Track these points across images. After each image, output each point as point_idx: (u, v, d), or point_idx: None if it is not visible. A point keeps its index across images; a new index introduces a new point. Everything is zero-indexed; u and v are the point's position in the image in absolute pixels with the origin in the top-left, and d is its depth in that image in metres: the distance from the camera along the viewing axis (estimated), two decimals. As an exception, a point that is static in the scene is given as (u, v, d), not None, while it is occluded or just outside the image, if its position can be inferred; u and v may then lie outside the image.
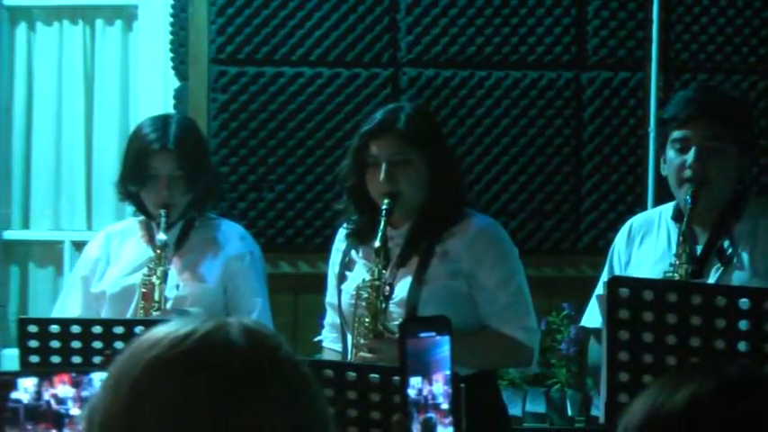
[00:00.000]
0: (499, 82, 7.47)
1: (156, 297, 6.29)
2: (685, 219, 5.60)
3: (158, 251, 6.32)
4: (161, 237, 6.26)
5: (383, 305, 5.76)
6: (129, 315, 6.26)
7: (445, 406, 2.98)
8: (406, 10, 7.59)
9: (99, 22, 7.98)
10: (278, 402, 2.37)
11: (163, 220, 6.25)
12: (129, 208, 6.74)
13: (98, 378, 3.87)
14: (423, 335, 3.00)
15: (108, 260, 6.54)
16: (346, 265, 6.10)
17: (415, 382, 3.11)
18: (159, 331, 2.39)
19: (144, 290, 6.36)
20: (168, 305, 6.29)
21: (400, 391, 2.95)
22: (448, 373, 3.03)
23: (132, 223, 6.62)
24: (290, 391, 2.39)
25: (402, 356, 3.02)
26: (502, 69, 7.53)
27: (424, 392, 2.96)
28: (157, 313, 6.13)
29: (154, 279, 6.26)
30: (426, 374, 2.99)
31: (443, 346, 3.02)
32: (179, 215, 6.42)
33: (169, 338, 2.35)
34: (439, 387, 2.94)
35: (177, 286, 6.35)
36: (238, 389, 2.33)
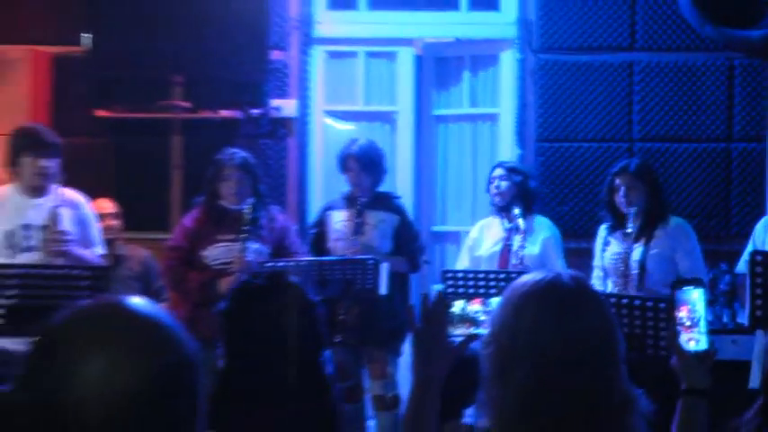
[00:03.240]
0: (686, 149, 7.30)
1: (515, 259, 6.39)
2: None
3: (514, 230, 6.48)
4: (514, 224, 6.42)
5: (628, 262, 5.96)
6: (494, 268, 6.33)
7: (687, 323, 2.85)
8: (638, 111, 7.35)
9: (488, 124, 7.86)
10: (589, 316, 2.38)
11: (518, 216, 6.39)
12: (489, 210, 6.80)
13: (494, 301, 3.53)
14: (685, 287, 2.92)
15: (481, 238, 6.64)
16: (606, 243, 6.23)
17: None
18: (526, 277, 2.45)
19: (503, 253, 6.55)
20: (517, 262, 6.36)
21: (669, 317, 2.96)
22: (690, 306, 2.88)
23: (492, 218, 6.68)
24: (597, 309, 2.39)
25: (671, 298, 2.93)
26: (689, 143, 7.32)
27: (674, 316, 2.91)
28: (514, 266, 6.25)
29: (514, 247, 6.36)
30: (678, 307, 2.88)
31: (692, 294, 2.89)
32: (522, 214, 6.40)
33: (532, 280, 2.40)
34: (683, 313, 2.85)
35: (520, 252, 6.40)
36: (569, 308, 2.36)
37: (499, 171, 6.63)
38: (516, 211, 6.41)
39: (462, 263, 6.67)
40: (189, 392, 1.54)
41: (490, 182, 6.65)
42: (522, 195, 6.56)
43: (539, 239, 6.51)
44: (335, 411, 3.13)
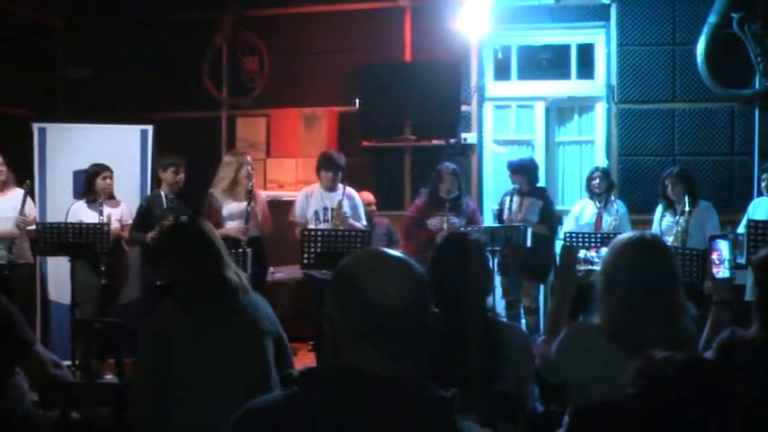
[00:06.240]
0: (708, 160, 6.82)
1: (604, 224, 6.12)
2: None
3: (603, 208, 6.22)
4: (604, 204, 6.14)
5: (678, 227, 5.65)
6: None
7: (717, 261, 2.54)
8: (678, 137, 6.93)
9: (588, 146, 7.45)
10: (662, 257, 2.23)
11: (610, 201, 6.18)
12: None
13: (603, 250, 3.66)
14: (717, 239, 2.63)
15: (582, 211, 6.36)
16: (662, 216, 5.89)
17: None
18: (623, 235, 2.31)
19: (597, 221, 6.18)
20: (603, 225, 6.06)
21: (706, 258, 2.60)
22: (719, 251, 2.57)
23: (587, 200, 6.36)
24: (667, 253, 2.23)
25: (708, 246, 2.62)
26: (708, 156, 6.84)
27: (709, 257, 2.58)
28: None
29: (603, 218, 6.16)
30: (712, 251, 2.57)
31: (720, 243, 2.60)
32: (606, 200, 6.20)
33: (628, 236, 2.27)
34: (715, 255, 2.56)
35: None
36: (650, 252, 2.15)
37: (597, 173, 6.48)
38: (611, 197, 6.35)
39: (568, 225, 6.53)
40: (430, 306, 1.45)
41: (591, 179, 6.49)
42: (608, 187, 6.43)
43: (614, 213, 6.33)
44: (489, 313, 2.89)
